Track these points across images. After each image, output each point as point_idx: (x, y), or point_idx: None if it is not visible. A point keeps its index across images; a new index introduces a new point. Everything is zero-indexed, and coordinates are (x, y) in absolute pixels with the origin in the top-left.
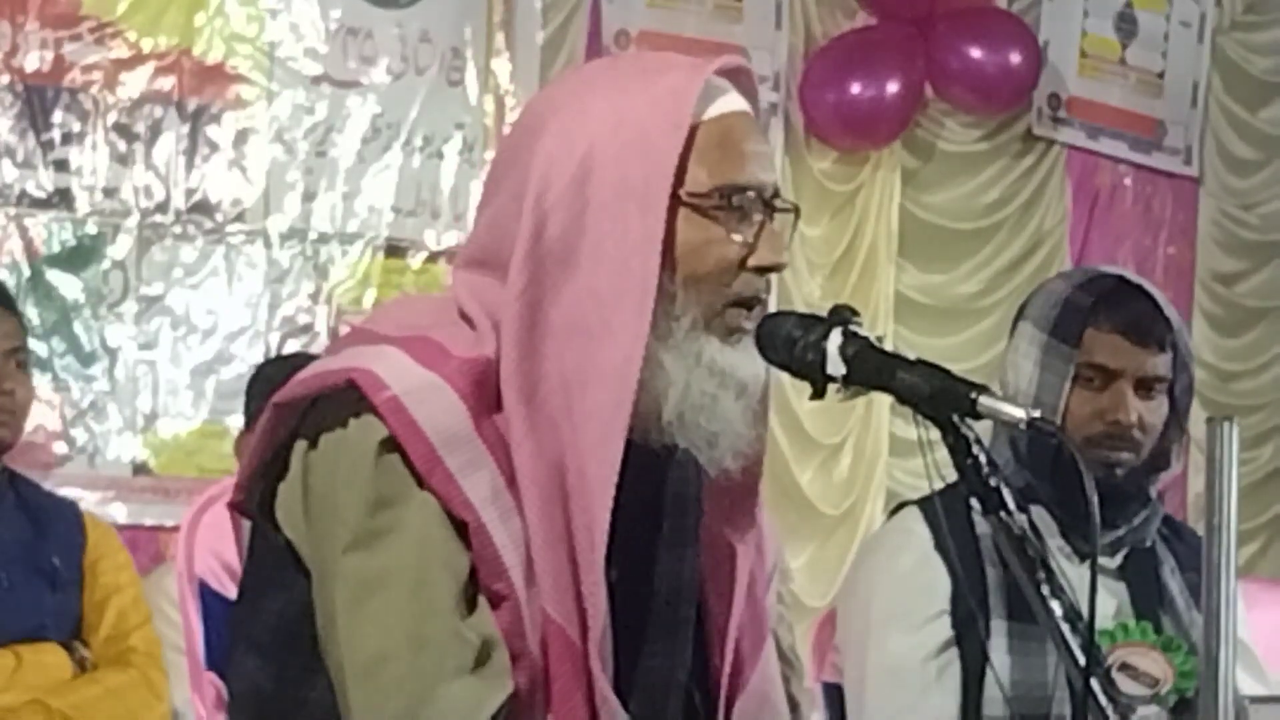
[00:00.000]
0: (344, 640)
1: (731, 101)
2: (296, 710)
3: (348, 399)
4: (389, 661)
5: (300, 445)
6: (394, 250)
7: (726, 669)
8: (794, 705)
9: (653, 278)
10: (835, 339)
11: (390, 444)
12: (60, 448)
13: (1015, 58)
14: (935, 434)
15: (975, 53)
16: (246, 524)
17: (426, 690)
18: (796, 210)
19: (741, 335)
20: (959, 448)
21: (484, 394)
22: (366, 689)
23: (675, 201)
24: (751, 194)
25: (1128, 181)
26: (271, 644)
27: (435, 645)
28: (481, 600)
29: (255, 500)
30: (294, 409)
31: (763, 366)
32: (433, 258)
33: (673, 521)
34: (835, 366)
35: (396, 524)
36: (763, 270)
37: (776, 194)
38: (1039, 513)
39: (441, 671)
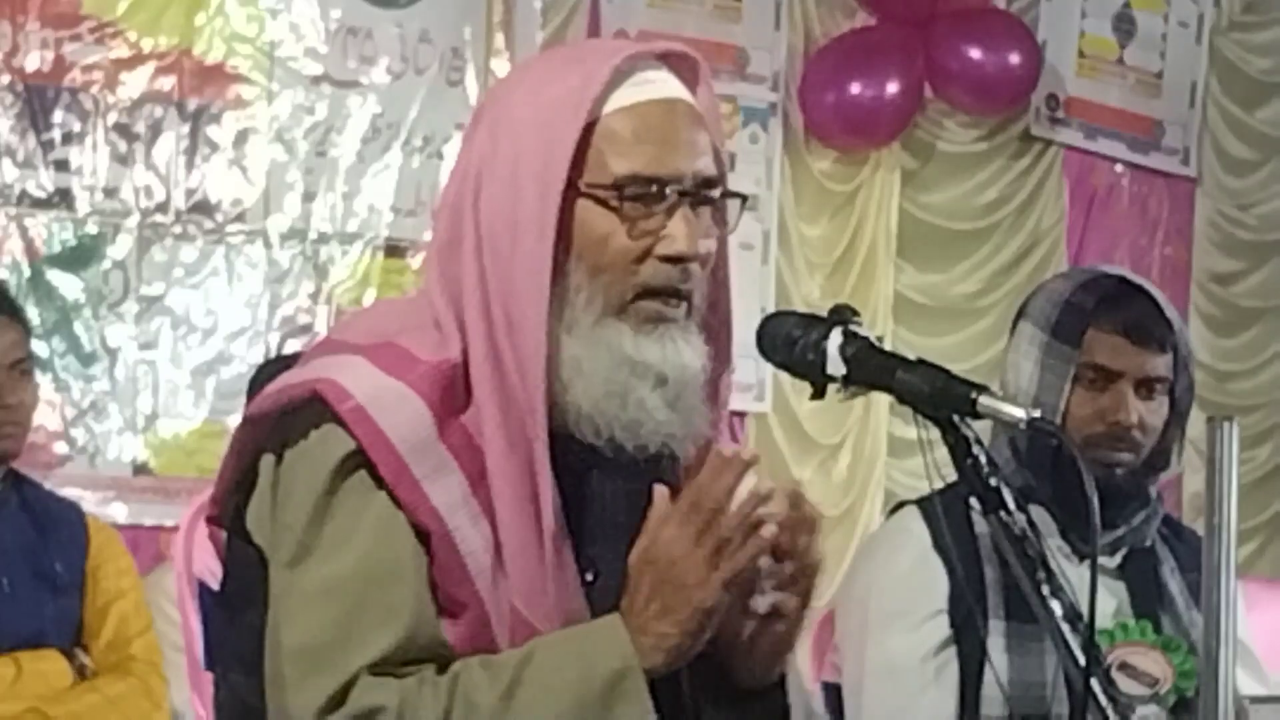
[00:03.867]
0: (284, 648)
1: (652, 89)
2: None
3: (312, 411)
4: (329, 665)
5: (268, 459)
6: (394, 250)
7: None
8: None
9: (546, 267)
10: (835, 339)
11: (354, 455)
12: (61, 448)
13: (1014, 58)
14: (935, 434)
15: (974, 53)
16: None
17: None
18: (742, 197)
19: (660, 325)
20: (959, 447)
21: (450, 398)
22: (308, 689)
23: (578, 192)
24: (658, 183)
25: (1125, 182)
26: (253, 658)
27: (392, 640)
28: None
29: (229, 514)
30: (262, 423)
31: (694, 355)
32: None
33: None
34: (835, 366)
35: (347, 536)
36: (671, 260)
37: (708, 183)
38: (1038, 512)
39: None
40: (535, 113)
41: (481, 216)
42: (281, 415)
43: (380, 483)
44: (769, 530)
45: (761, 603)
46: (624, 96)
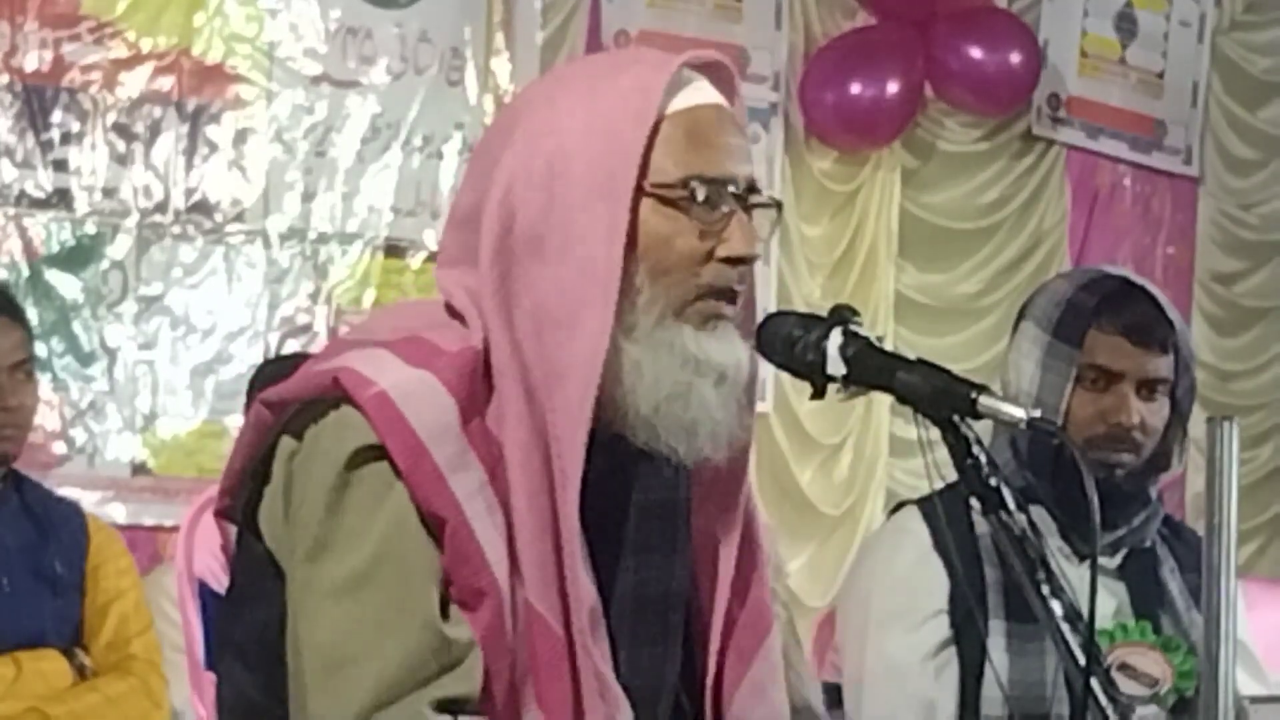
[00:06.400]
0: (304, 646)
1: (702, 94)
2: None
3: (330, 401)
4: (351, 664)
5: (284, 450)
6: (393, 250)
7: (713, 667)
8: (802, 706)
9: (617, 270)
10: (835, 339)
11: (368, 450)
12: (59, 448)
13: (1015, 58)
14: (935, 434)
15: (975, 53)
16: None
17: (389, 691)
18: (779, 205)
19: (719, 322)
20: (959, 448)
21: (474, 390)
22: (329, 691)
23: (641, 194)
24: (719, 185)
25: (1127, 181)
26: (257, 654)
27: (404, 644)
28: (453, 608)
29: (240, 507)
30: (280, 410)
31: (746, 354)
32: (432, 258)
33: (662, 527)
34: (835, 366)
35: (362, 532)
36: (732, 261)
37: (754, 189)
38: (1039, 513)
39: (410, 672)
40: (589, 118)
41: (516, 223)
42: (301, 406)
43: (396, 475)
44: None
45: None
46: (680, 101)
